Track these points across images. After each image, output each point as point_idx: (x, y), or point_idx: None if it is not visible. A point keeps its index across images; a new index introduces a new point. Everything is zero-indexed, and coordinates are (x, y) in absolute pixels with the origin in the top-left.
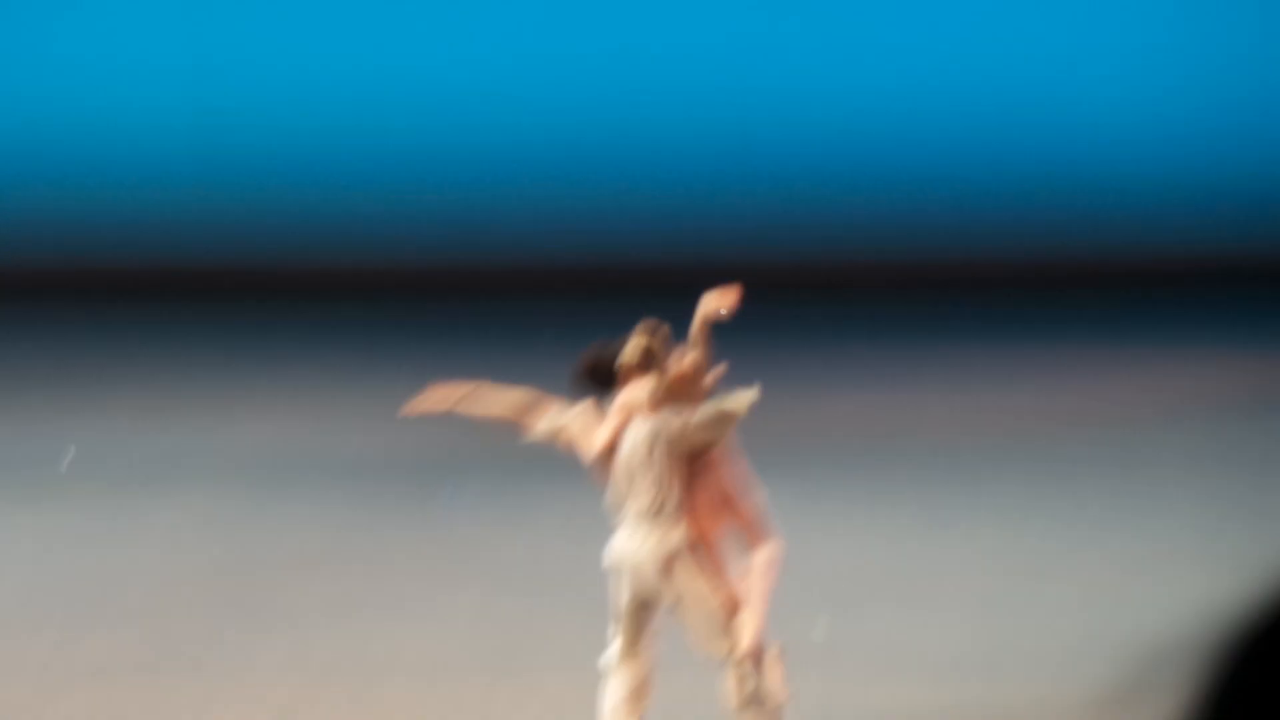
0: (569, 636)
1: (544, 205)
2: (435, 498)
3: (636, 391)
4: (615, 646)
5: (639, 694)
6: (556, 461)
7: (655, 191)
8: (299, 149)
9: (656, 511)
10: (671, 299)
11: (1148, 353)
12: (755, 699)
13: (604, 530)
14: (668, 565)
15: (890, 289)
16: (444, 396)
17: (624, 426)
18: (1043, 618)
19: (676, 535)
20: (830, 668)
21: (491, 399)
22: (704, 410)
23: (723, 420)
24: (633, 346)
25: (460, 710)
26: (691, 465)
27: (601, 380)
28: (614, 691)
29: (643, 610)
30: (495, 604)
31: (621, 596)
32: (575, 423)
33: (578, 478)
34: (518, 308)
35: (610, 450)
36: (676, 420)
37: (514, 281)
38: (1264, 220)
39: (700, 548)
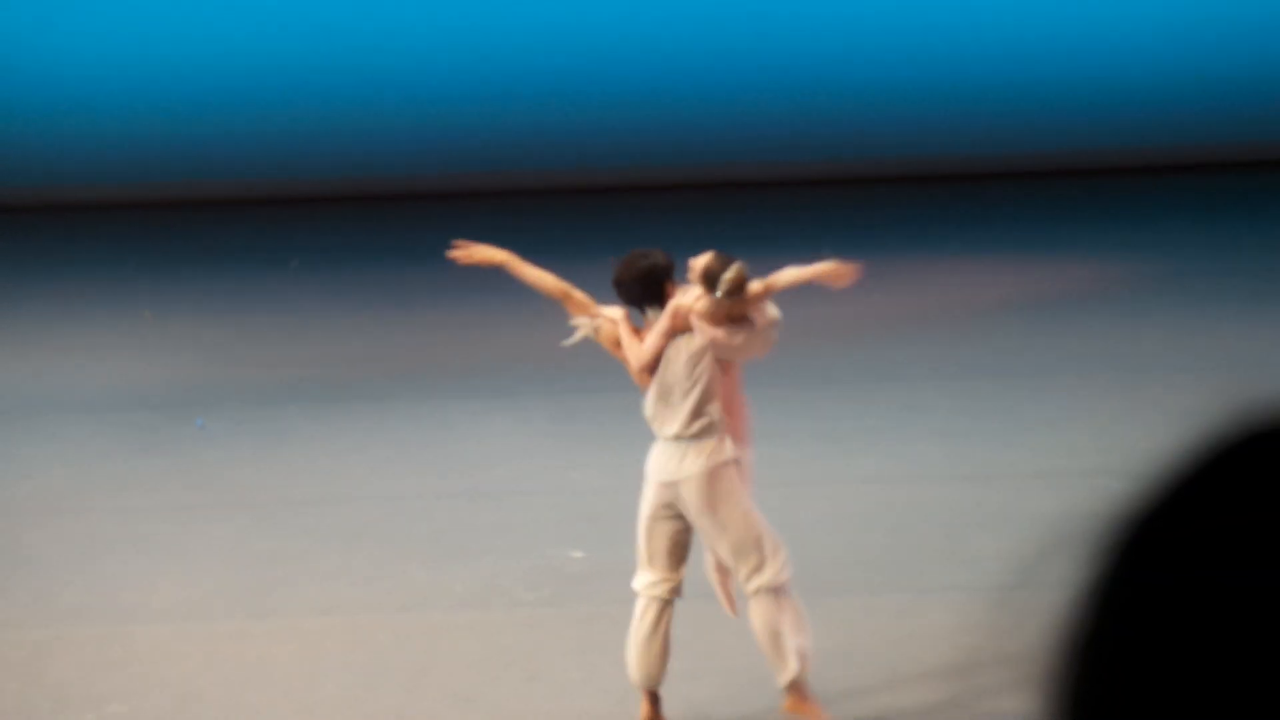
0: (323, 577)
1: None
2: (184, 432)
3: (695, 304)
4: (647, 574)
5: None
6: (309, 392)
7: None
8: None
9: (704, 427)
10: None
11: (907, 260)
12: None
13: (361, 464)
14: (713, 481)
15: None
16: (491, 254)
17: (672, 336)
18: (791, 535)
19: (724, 450)
20: (591, 588)
21: (533, 272)
22: (765, 321)
23: (775, 328)
24: (733, 273)
25: (212, 653)
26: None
27: (643, 289)
28: (644, 615)
29: (675, 531)
30: (247, 543)
31: (651, 518)
32: (620, 325)
33: (333, 409)
34: (259, 230)
35: (655, 361)
36: (738, 335)
37: (257, 202)
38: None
39: (739, 463)
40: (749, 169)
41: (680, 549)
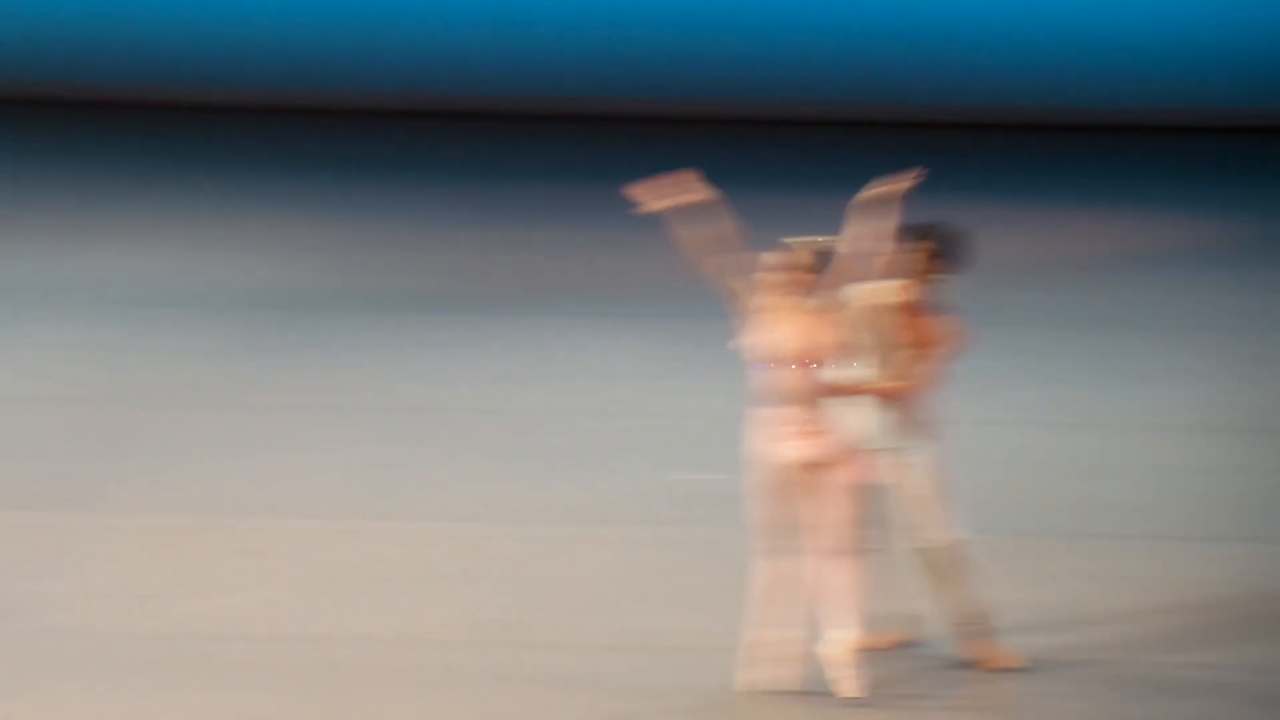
0: (438, 485)
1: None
2: (301, 333)
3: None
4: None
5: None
6: (432, 302)
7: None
8: None
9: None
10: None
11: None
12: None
13: (483, 377)
14: None
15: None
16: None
17: None
18: None
19: None
20: (717, 511)
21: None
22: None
23: None
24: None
25: (323, 550)
26: None
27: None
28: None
29: None
30: (367, 445)
31: None
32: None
33: (457, 321)
34: (400, 139)
35: None
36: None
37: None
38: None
39: None
40: (866, 108)
41: None
